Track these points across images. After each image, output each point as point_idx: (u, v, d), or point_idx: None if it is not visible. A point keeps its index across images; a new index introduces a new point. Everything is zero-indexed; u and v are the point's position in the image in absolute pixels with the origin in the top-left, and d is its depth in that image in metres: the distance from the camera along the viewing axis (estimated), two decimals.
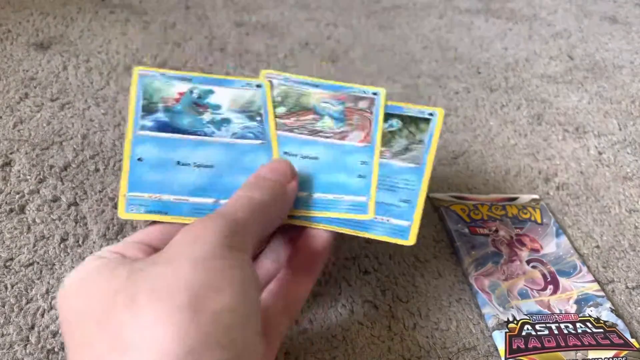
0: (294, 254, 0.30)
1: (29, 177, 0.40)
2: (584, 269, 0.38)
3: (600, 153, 0.51)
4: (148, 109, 0.32)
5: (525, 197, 0.44)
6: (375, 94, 0.35)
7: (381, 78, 0.58)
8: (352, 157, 0.33)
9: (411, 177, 0.33)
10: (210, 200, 0.30)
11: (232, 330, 0.21)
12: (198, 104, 0.33)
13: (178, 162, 0.31)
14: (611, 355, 0.32)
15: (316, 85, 0.35)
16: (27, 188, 0.39)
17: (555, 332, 0.33)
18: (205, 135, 0.32)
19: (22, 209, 0.38)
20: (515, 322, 0.34)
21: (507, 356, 0.32)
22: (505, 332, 0.33)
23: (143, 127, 0.32)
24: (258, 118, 0.33)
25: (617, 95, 0.60)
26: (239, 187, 0.29)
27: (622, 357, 0.32)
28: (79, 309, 0.21)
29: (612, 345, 0.33)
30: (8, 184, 0.39)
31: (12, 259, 0.34)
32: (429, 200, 0.44)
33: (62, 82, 0.50)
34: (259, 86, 0.34)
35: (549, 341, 0.33)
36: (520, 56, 0.66)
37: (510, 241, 0.40)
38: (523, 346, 0.32)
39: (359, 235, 0.31)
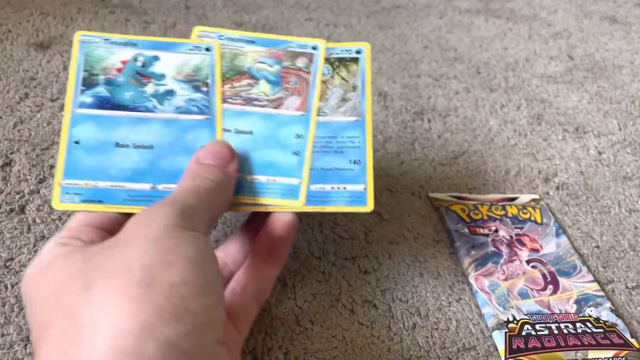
0: (258, 241, 0.30)
1: (29, 177, 0.40)
2: (584, 269, 0.38)
3: (600, 153, 0.51)
4: (88, 82, 0.31)
5: (525, 197, 0.44)
6: (314, 48, 0.34)
7: (381, 78, 0.58)
8: (286, 129, 0.32)
9: (355, 133, 0.32)
10: (147, 186, 0.30)
11: (188, 303, 0.21)
12: (141, 74, 0.32)
13: (117, 144, 0.30)
14: (611, 355, 0.32)
15: (252, 42, 0.34)
16: (27, 188, 0.39)
17: (555, 332, 0.33)
18: (147, 111, 0.31)
19: (22, 209, 0.38)
20: (515, 322, 0.34)
21: (507, 356, 0.32)
22: (505, 332, 0.33)
23: (82, 105, 0.31)
24: (204, 89, 0.32)
25: (617, 95, 0.60)
26: (177, 171, 0.29)
27: (622, 357, 0.32)
28: (39, 297, 0.22)
29: (612, 345, 0.33)
30: (8, 184, 0.39)
31: (12, 259, 0.34)
32: (428, 200, 0.44)
33: (62, 82, 0.50)
34: (208, 49, 0.33)
35: (549, 341, 0.33)
36: (520, 56, 0.66)
37: (510, 241, 0.40)
38: (523, 346, 0.32)
39: (319, 211, 0.31)
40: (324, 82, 0.33)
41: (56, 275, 0.22)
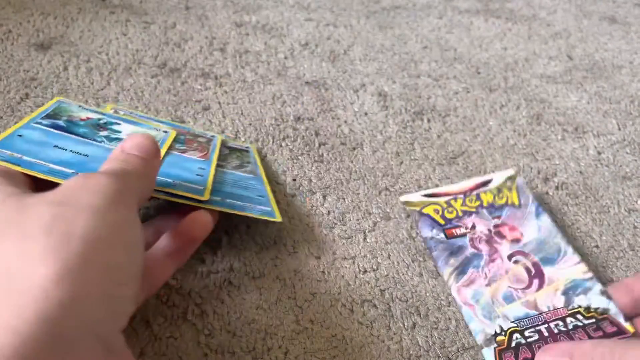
0: (171, 235, 0.31)
1: None
2: (569, 250, 0.37)
3: (599, 153, 0.51)
4: (51, 117, 0.35)
5: (499, 177, 0.43)
6: (213, 136, 0.42)
7: (381, 78, 0.58)
8: (191, 163, 0.37)
9: (256, 183, 0.39)
10: (69, 171, 0.30)
11: (118, 288, 0.21)
12: (101, 126, 0.37)
13: (55, 146, 0.32)
14: None
15: (160, 122, 0.41)
16: None
17: (546, 334, 0.33)
18: (95, 141, 0.34)
19: None
20: (503, 333, 0.33)
21: None
22: (495, 348, 0.32)
23: (38, 122, 0.34)
24: None
25: (617, 95, 0.60)
26: None
27: None
28: None
29: (605, 336, 0.32)
30: None
31: None
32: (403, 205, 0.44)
33: (63, 83, 0.50)
34: (165, 132, 0.39)
35: (539, 347, 0.32)
36: (519, 56, 0.66)
37: (489, 236, 0.39)
38: None
39: (238, 214, 0.34)
40: (224, 154, 0.41)
41: None
